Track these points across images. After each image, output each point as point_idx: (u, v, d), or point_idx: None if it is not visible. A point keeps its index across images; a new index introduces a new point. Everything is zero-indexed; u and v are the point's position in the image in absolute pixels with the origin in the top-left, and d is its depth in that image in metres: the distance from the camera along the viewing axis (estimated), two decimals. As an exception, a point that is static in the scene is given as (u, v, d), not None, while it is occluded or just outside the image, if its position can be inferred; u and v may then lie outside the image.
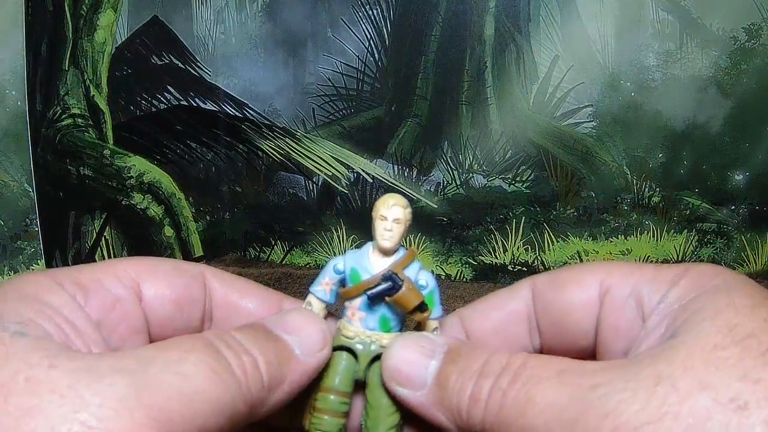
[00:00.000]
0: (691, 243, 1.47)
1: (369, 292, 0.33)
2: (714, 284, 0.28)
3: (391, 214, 0.33)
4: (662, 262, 1.56)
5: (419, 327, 0.35)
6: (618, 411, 0.24)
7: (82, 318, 0.29)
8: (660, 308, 0.29)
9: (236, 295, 0.37)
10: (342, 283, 0.35)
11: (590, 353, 0.34)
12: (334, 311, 0.37)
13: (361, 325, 0.34)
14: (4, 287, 0.29)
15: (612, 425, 0.24)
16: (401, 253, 0.34)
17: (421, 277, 0.34)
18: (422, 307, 0.33)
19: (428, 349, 0.32)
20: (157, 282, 0.34)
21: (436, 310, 0.34)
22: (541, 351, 0.36)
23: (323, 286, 0.35)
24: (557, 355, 0.34)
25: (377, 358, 0.33)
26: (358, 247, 0.35)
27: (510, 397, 0.27)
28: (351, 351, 0.34)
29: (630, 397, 0.24)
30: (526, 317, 0.35)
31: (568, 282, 0.34)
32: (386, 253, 0.34)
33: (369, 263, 0.34)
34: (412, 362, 0.31)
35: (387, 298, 0.33)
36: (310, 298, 0.36)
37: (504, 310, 0.36)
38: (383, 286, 0.32)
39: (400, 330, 0.34)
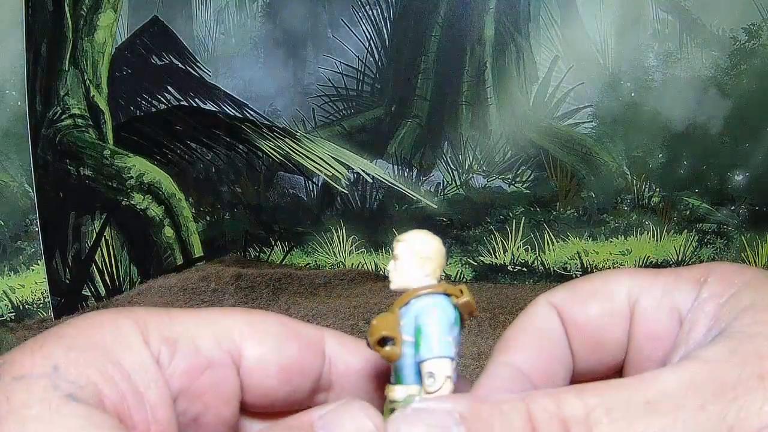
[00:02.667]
0: (691, 243, 1.47)
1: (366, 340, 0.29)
2: (744, 281, 0.28)
3: (393, 252, 0.30)
4: (662, 262, 1.56)
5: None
6: (740, 421, 0.23)
7: (156, 390, 0.25)
8: (695, 308, 0.29)
9: (356, 361, 0.32)
10: None
11: (618, 368, 0.32)
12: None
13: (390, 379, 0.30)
14: (79, 326, 0.25)
15: None
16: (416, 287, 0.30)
17: (422, 313, 0.29)
18: (385, 340, 0.28)
19: (439, 427, 0.25)
20: (263, 346, 0.29)
21: (423, 350, 0.28)
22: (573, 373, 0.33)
23: None
24: (589, 374, 0.32)
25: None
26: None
27: None
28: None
29: (746, 404, 0.23)
30: (563, 340, 0.32)
31: (592, 295, 0.32)
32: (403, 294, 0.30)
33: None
34: None
35: None
36: None
37: (541, 336, 0.32)
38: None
39: (413, 382, 0.29)
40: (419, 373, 0.28)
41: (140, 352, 0.25)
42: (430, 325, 0.28)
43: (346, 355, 0.32)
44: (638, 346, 0.31)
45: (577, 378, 0.33)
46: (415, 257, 0.29)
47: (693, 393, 0.24)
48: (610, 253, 1.49)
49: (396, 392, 0.29)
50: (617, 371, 0.33)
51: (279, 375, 0.29)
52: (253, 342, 0.29)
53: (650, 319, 0.30)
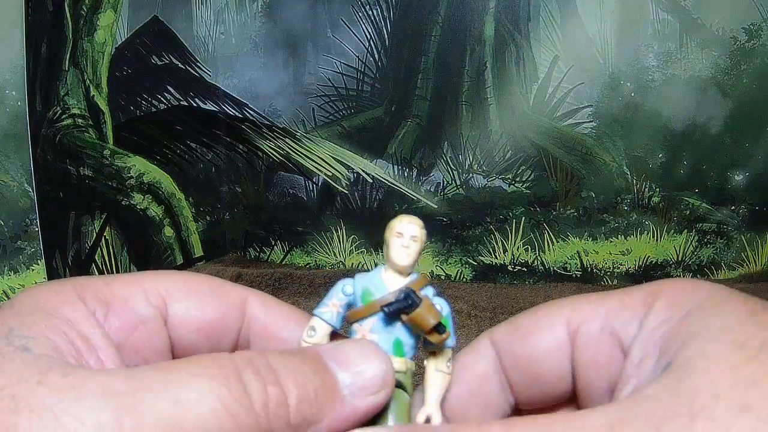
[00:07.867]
0: (691, 243, 1.47)
1: (386, 308, 0.31)
2: (695, 301, 0.26)
3: (407, 231, 0.31)
4: (662, 262, 1.56)
5: (434, 354, 0.33)
6: None
7: (99, 334, 0.27)
8: (641, 336, 0.27)
9: (279, 324, 0.33)
10: (349, 306, 0.33)
11: (569, 398, 0.32)
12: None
13: None
14: (24, 296, 0.28)
15: None
16: (414, 276, 0.32)
17: (436, 301, 0.32)
18: (440, 328, 0.30)
19: None
20: (185, 303, 0.31)
21: (452, 337, 0.32)
22: (517, 406, 0.33)
23: (330, 308, 0.32)
24: (535, 407, 0.32)
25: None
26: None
27: None
28: None
29: None
30: (496, 376, 0.33)
31: (531, 328, 0.32)
32: (402, 272, 0.32)
33: (383, 282, 0.32)
34: None
35: (404, 317, 0.31)
36: (314, 321, 0.32)
37: (472, 373, 0.33)
38: (402, 302, 0.30)
39: (412, 356, 0.32)
40: (414, 350, 0.32)
41: (80, 308, 0.27)
42: (450, 315, 0.32)
43: (267, 317, 0.33)
44: (583, 378, 0.30)
45: (523, 410, 0.33)
46: (422, 244, 0.32)
47: (607, 427, 0.23)
48: (610, 253, 1.49)
49: (398, 363, 0.31)
50: (570, 400, 0.32)
51: (200, 330, 0.31)
52: (179, 299, 0.31)
53: (590, 350, 0.30)
